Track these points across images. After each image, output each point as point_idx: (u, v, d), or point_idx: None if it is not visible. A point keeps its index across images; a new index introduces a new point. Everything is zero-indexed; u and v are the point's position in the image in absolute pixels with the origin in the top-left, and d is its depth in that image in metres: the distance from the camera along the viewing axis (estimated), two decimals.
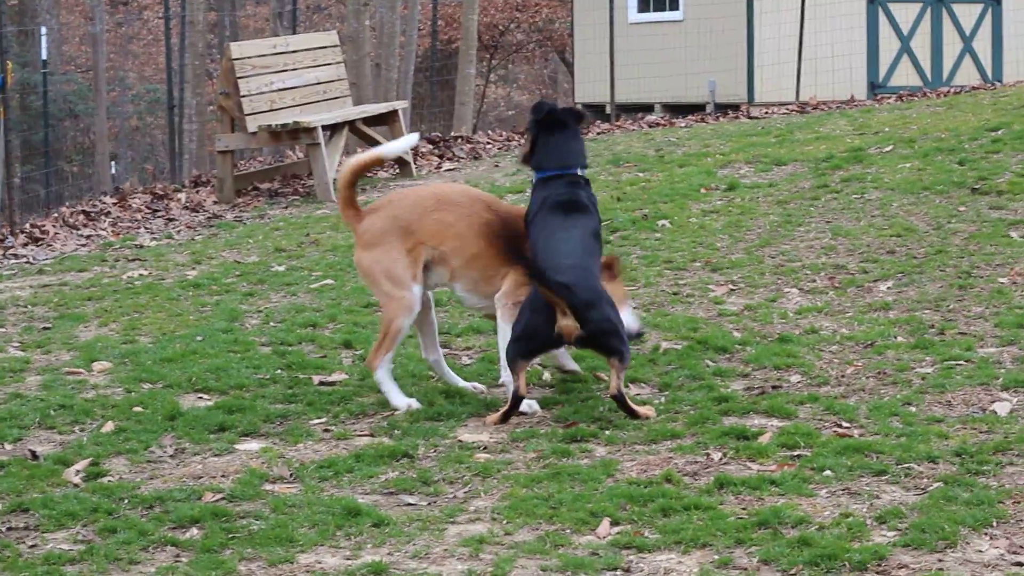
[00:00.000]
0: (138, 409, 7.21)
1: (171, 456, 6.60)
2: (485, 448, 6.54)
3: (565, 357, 7.54)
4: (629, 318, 7.24)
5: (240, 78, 14.47)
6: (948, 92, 19.20)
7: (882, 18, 23.74)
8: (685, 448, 6.39)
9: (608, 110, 21.92)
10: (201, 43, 24.67)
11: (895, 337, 7.84)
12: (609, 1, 21.50)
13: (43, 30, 20.30)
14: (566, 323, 6.75)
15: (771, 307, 8.61)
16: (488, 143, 17.88)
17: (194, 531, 5.66)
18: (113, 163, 27.12)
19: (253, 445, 6.71)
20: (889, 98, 19.51)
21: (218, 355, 8.12)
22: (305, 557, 5.40)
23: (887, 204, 10.88)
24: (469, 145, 17.67)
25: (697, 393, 7.15)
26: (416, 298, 7.21)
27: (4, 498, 6.05)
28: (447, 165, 16.23)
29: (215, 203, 14.48)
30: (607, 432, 6.65)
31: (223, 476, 6.27)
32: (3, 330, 9.10)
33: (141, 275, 10.68)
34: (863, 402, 6.89)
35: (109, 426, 6.96)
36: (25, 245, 12.69)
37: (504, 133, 19.10)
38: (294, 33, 21.18)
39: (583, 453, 6.41)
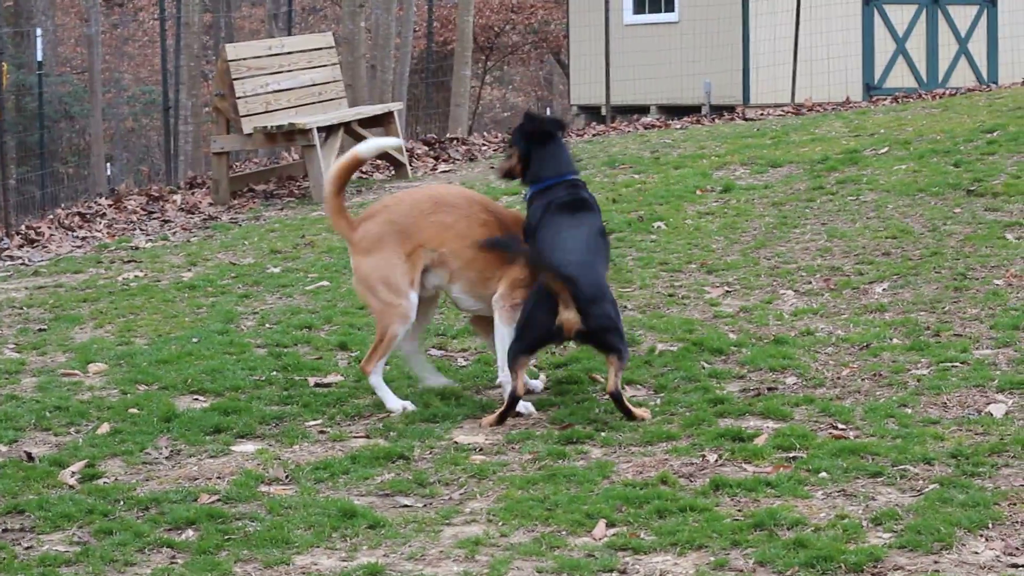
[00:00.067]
0: (134, 411, 7.21)
1: (167, 458, 6.60)
2: (481, 450, 6.55)
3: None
4: None
5: (236, 80, 14.47)
6: (943, 94, 19.21)
7: (877, 20, 23.76)
8: (681, 450, 6.39)
9: (604, 112, 21.93)
10: (197, 45, 24.65)
11: (891, 339, 7.84)
12: (605, 3, 21.51)
13: (38, 31, 20.27)
14: (567, 316, 6.76)
15: (767, 309, 8.62)
16: (484, 145, 17.88)
17: (190, 533, 5.66)
18: (109, 165, 27.09)
19: (249, 447, 6.71)
20: (884, 100, 19.53)
21: (214, 357, 8.12)
22: (301, 559, 5.40)
23: (882, 206, 10.88)
24: (465, 147, 17.67)
25: (693, 395, 7.15)
26: (412, 306, 7.21)
27: (0, 500, 6.05)
28: (443, 167, 16.22)
29: (211, 205, 14.47)
30: (603, 434, 6.65)
31: (219, 478, 6.27)
32: None
33: (137, 277, 10.67)
34: (859, 404, 6.89)
35: (105, 428, 6.96)
36: (21, 247, 12.68)
37: (500, 135, 19.10)
38: (289, 35, 21.17)
39: (579, 455, 6.41)
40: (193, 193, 15.38)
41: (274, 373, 7.81)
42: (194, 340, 8.49)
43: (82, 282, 10.65)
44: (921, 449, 6.19)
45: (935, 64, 23.97)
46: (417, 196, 7.40)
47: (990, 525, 5.40)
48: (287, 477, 6.27)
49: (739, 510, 5.67)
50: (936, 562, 5.14)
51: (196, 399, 7.45)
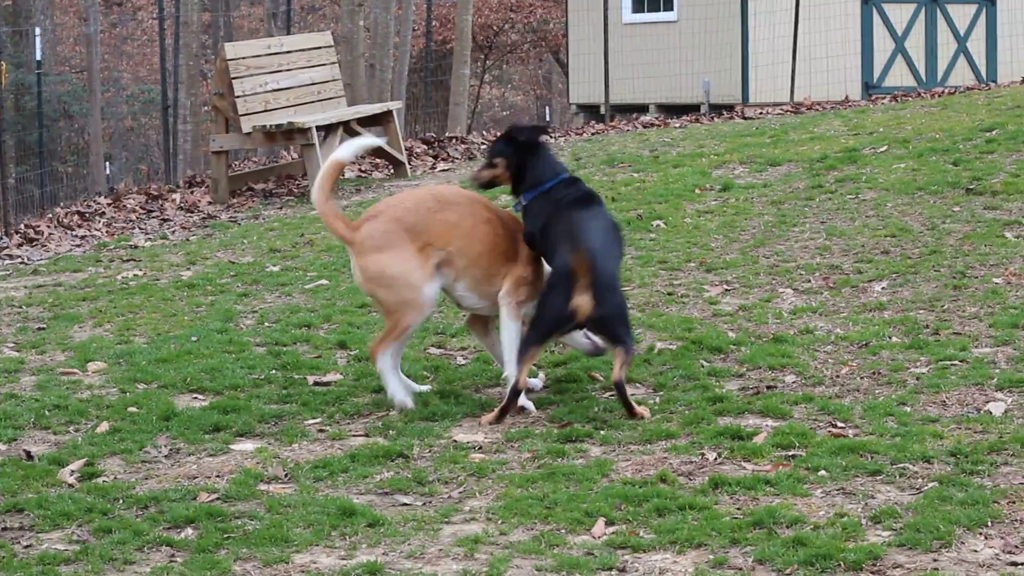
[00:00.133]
0: (133, 409, 7.21)
1: (166, 456, 6.60)
2: (480, 448, 6.55)
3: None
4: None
5: (234, 79, 14.47)
6: (942, 92, 19.21)
7: (876, 18, 23.76)
8: (680, 448, 6.39)
9: (603, 110, 21.93)
10: (195, 44, 24.66)
11: (890, 337, 7.84)
12: (604, 1, 21.51)
13: (37, 31, 20.28)
14: (581, 300, 6.78)
15: (766, 307, 8.62)
16: (483, 143, 17.87)
17: (189, 531, 5.66)
18: (108, 164, 27.10)
19: (248, 445, 6.71)
20: (883, 98, 19.52)
21: (213, 355, 8.12)
22: (300, 557, 5.41)
23: (881, 204, 10.88)
24: (464, 145, 17.67)
25: (692, 393, 7.15)
26: (429, 297, 7.16)
27: None
28: (441, 165, 16.23)
29: (210, 204, 14.47)
30: (602, 432, 6.65)
31: (218, 476, 6.27)
32: None
33: (136, 275, 10.67)
34: (858, 402, 6.89)
35: (104, 426, 6.96)
36: (20, 246, 12.68)
37: (499, 134, 19.09)
38: (288, 34, 21.16)
39: (578, 453, 6.41)
40: (192, 192, 15.38)
41: (273, 372, 7.81)
42: (193, 339, 8.49)
43: (81, 281, 10.65)
44: (920, 447, 6.19)
45: (934, 63, 23.97)
46: (420, 195, 7.38)
47: (989, 523, 5.40)
48: (286, 476, 6.27)
49: (738, 508, 5.67)
50: (935, 560, 5.14)
51: (195, 398, 7.45)
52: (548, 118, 33.08)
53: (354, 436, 6.79)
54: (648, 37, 24.33)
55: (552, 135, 17.87)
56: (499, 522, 5.65)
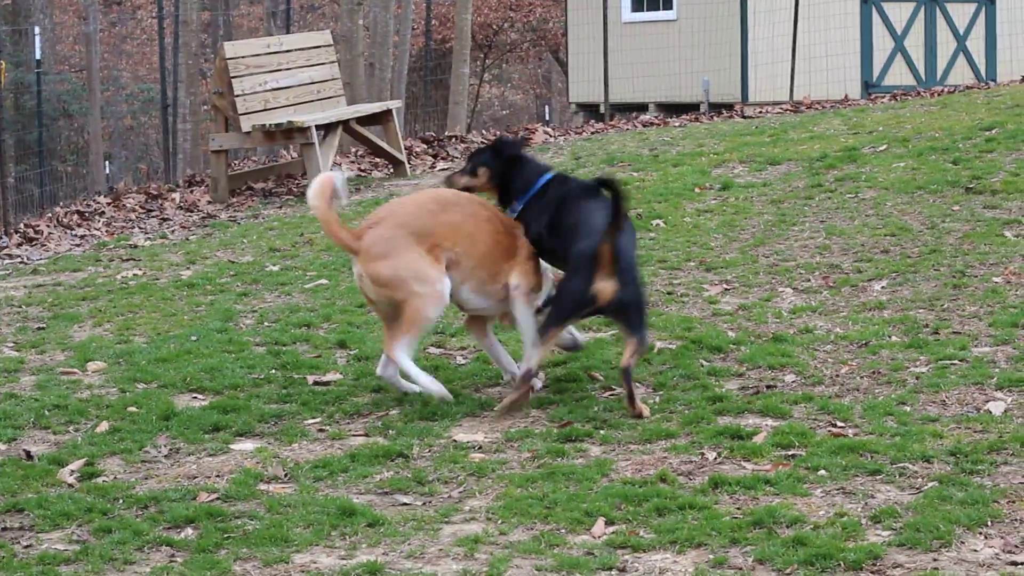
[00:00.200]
0: (132, 409, 7.21)
1: (166, 456, 6.60)
2: (480, 448, 6.54)
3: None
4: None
5: (234, 77, 14.46)
6: (942, 91, 19.20)
7: (876, 17, 23.75)
8: (680, 448, 6.39)
9: (602, 109, 21.92)
10: (195, 42, 24.63)
11: (889, 336, 7.84)
12: (603, 0, 21.50)
13: (36, 30, 20.29)
14: (605, 284, 6.79)
15: (765, 307, 8.62)
16: (482, 142, 17.87)
17: (189, 531, 5.66)
18: (107, 163, 27.09)
19: (248, 445, 6.71)
20: (883, 97, 19.52)
21: (212, 355, 8.11)
22: (300, 557, 5.41)
23: (881, 203, 10.88)
24: (463, 145, 17.66)
25: (691, 393, 7.15)
26: (447, 289, 7.15)
27: None
28: (441, 165, 16.21)
29: (209, 203, 14.46)
30: (602, 432, 6.65)
31: (218, 476, 6.27)
32: None
33: (135, 275, 10.67)
34: (857, 402, 6.89)
35: (104, 426, 6.96)
36: (19, 245, 12.68)
37: (498, 133, 19.09)
38: (288, 32, 21.16)
39: (578, 453, 6.41)
40: (192, 191, 15.38)
41: (273, 371, 7.81)
42: (193, 338, 8.49)
43: (81, 280, 10.65)
44: (920, 447, 6.19)
45: (933, 62, 23.95)
46: (419, 199, 7.39)
47: (989, 523, 5.41)
48: (286, 475, 6.27)
49: (738, 508, 5.67)
50: (935, 560, 5.14)
51: (195, 397, 7.45)
52: (548, 117, 33.07)
53: (354, 436, 6.79)
54: (648, 36, 24.32)
55: (552, 135, 17.86)
56: (499, 522, 5.65)
